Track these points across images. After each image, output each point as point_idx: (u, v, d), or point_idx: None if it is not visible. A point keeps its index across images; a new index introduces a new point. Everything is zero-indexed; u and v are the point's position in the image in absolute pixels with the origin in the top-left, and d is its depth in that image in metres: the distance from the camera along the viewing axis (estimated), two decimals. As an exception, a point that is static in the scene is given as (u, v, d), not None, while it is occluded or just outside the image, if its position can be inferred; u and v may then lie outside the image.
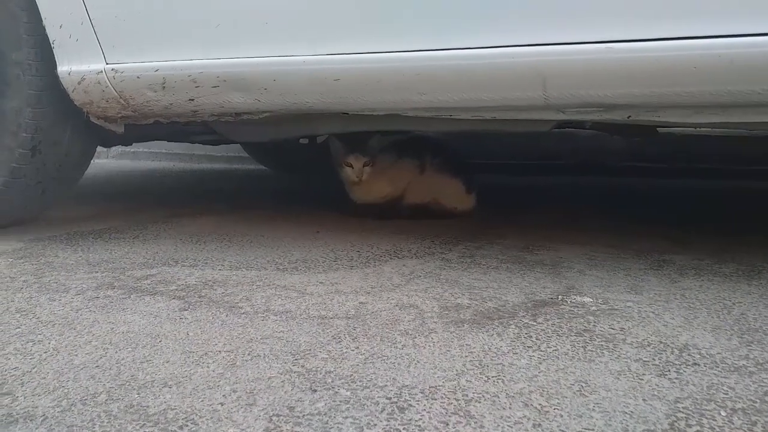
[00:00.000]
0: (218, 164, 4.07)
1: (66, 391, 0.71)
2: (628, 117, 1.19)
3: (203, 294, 1.08)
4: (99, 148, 4.41)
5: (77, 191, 2.57)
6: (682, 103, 1.08)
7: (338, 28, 1.18)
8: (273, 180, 3.32)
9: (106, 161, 4.44)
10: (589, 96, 1.10)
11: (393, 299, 1.06)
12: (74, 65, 1.36)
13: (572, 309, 1.02)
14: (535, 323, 0.94)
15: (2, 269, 1.24)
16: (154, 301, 1.03)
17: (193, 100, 1.34)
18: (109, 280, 1.16)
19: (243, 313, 0.98)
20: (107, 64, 1.34)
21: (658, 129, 1.93)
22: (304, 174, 3.54)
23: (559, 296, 1.09)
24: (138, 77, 1.33)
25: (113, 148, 4.14)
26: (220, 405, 0.68)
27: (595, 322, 0.95)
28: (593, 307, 1.03)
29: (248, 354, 0.82)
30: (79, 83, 1.37)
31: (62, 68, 1.37)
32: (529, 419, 0.65)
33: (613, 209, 2.24)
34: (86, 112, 1.46)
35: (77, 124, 1.52)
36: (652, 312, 1.00)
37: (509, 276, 1.23)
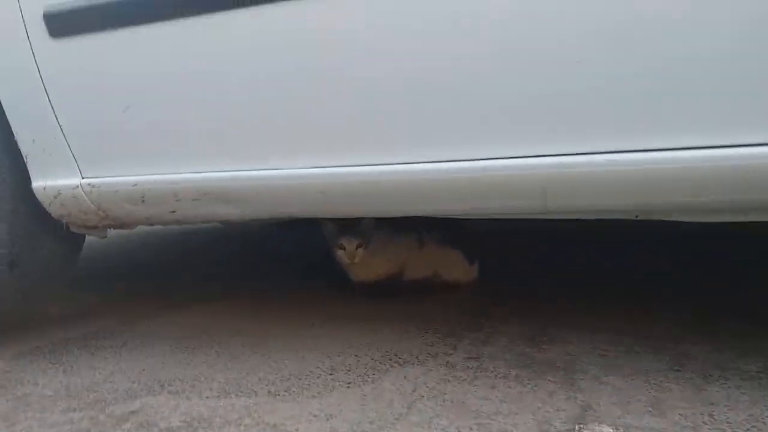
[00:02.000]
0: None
1: None
2: (636, 217, 1.11)
3: (187, 445, 0.99)
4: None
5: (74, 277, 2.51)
6: (694, 208, 1.00)
7: (321, 140, 1.11)
8: (271, 240, 3.25)
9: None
10: (590, 205, 1.02)
11: (393, 443, 0.97)
12: (49, 180, 1.30)
13: (590, 448, 0.92)
14: (550, 476, 0.85)
15: (-24, 410, 1.16)
16: (132, 461, 0.95)
17: (174, 212, 1.28)
18: (85, 425, 1.08)
19: (228, 478, 0.89)
20: (83, 178, 1.28)
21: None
22: (301, 230, 3.47)
23: (576, 426, 1.00)
24: (116, 191, 1.27)
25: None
26: None
27: (617, 472, 0.86)
28: (614, 445, 0.93)
29: None
30: (55, 197, 1.31)
31: (37, 183, 1.31)
32: None
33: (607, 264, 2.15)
34: (66, 222, 1.39)
35: (58, 231, 1.45)
36: (679, 449, 0.91)
37: (519, 392, 1.14)
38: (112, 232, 1.68)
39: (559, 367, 1.24)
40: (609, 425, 1.00)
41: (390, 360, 1.33)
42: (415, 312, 1.68)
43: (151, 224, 1.41)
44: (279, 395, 1.17)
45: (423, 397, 1.13)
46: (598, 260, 2.33)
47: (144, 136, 1.22)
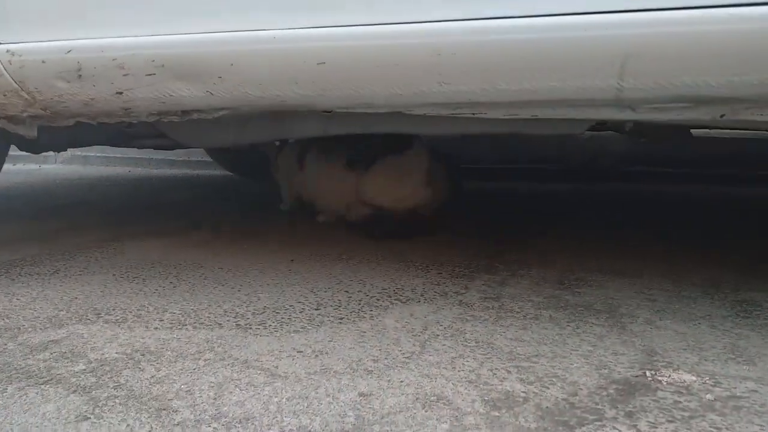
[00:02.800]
0: (179, 169, 3.67)
1: None
2: (722, 116, 0.87)
3: (121, 382, 0.71)
4: (48, 153, 3.97)
5: (3, 208, 2.17)
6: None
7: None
8: (240, 188, 2.94)
9: (54, 167, 3.99)
10: (681, 85, 0.77)
11: (409, 385, 0.71)
12: (-46, 45, 0.98)
13: (677, 399, 0.68)
14: (636, 433, 0.61)
15: None
16: (41, 400, 0.67)
17: (121, 93, 0.98)
18: (-15, 354, 0.79)
19: (176, 423, 0.62)
20: (1, 44, 0.97)
21: (692, 131, 1.63)
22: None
23: (646, 372, 0.76)
24: (43, 62, 0.96)
25: (63, 152, 3.70)
26: None
27: (729, 429, 0.62)
28: (707, 395, 0.69)
29: None
30: (-38, 70, 0.99)
31: (-63, 49, 0.99)
32: None
33: (636, 220, 1.93)
34: (-21, 109, 1.08)
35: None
36: (796, 402, 0.68)
37: (560, 333, 0.89)
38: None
39: (601, 311, 1.01)
40: (687, 372, 0.76)
41: (389, 297, 1.07)
42: (413, 253, 1.42)
43: (91, 117, 1.11)
44: (251, 329, 0.90)
45: (438, 336, 0.88)
46: (606, 200, 2.11)
47: (82, -17, 0.92)
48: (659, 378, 0.74)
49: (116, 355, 0.79)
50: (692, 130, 1.59)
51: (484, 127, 1.16)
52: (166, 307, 1.00)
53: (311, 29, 0.85)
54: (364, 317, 0.96)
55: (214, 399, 0.67)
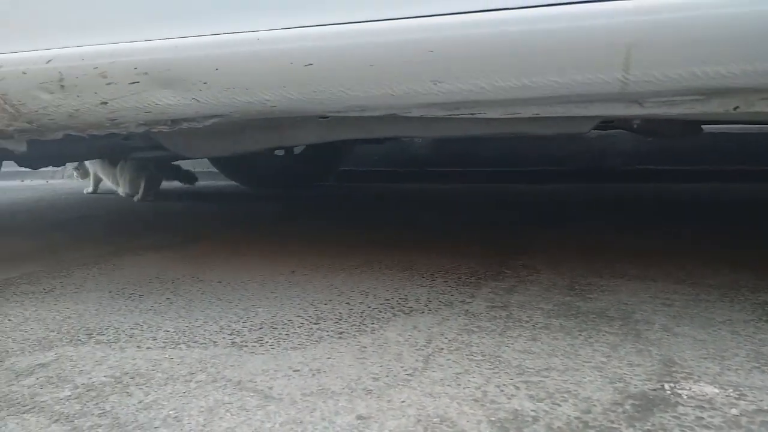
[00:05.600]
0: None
1: None
2: (735, 108, 0.82)
3: (107, 409, 0.67)
4: (56, 169, 3.96)
5: (4, 224, 2.15)
6: None
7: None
8: (245, 198, 2.91)
9: (61, 182, 3.99)
10: (691, 76, 0.72)
11: (411, 406, 0.67)
12: (-66, 58, 0.96)
13: (699, 414, 0.63)
14: (656, 455, 0.56)
15: None
16: (19, 430, 0.63)
17: (106, 103, 0.95)
18: (-32, 381, 0.75)
19: (162, 455, 0.58)
20: (-19, 55, 0.94)
21: (702, 126, 1.58)
22: (279, 189, 3.14)
23: (665, 384, 0.71)
24: (24, 73, 0.93)
25: (68, 166, 3.68)
26: None
27: (756, 448, 0.57)
28: (731, 409, 0.64)
29: None
30: (-56, 84, 0.97)
31: None
32: None
33: (646, 221, 1.87)
34: (-35, 125, 1.05)
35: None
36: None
37: (571, 343, 0.84)
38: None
39: (614, 317, 0.96)
40: (709, 384, 0.71)
41: (392, 308, 1.03)
42: (418, 261, 1.38)
43: (79, 129, 1.07)
44: (246, 346, 0.86)
45: (442, 349, 0.83)
46: (608, 200, 2.05)
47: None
48: (679, 391, 0.69)
49: (104, 379, 0.75)
50: (703, 126, 1.54)
51: (484, 128, 1.12)
52: (161, 324, 0.97)
53: (296, 29, 0.81)
54: (365, 331, 0.92)
55: (203, 426, 0.63)
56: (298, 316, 1.00)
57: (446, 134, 1.23)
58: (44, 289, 1.20)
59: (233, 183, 3.39)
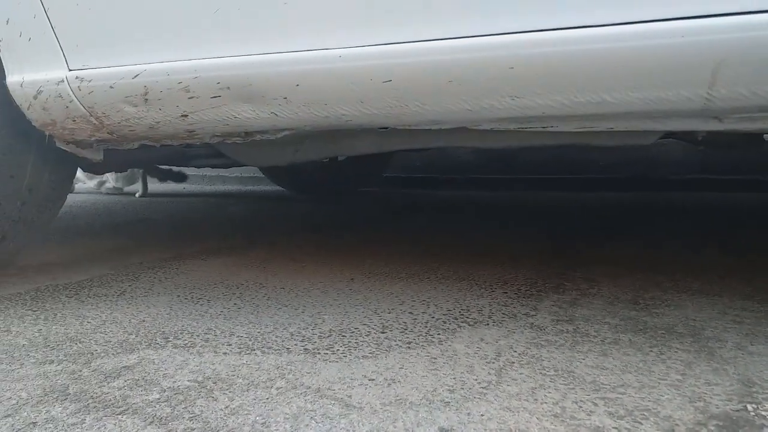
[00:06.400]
0: (231, 186, 3.72)
1: None
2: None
3: (196, 413, 0.70)
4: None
5: (68, 226, 2.24)
6: None
7: (398, 2, 0.81)
8: (292, 203, 2.96)
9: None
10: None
11: (491, 420, 0.68)
12: (27, 73, 1.01)
13: (788, 438, 0.63)
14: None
15: None
16: (117, 431, 0.66)
17: (186, 116, 0.99)
18: (63, 381, 0.79)
19: (257, 460, 0.60)
20: (70, 70, 0.99)
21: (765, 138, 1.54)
22: (324, 195, 3.18)
23: (747, 405, 0.70)
24: (111, 87, 0.98)
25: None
26: None
27: None
28: (821, 434, 0.63)
29: None
30: (35, 97, 1.02)
31: (12, 78, 1.03)
32: None
33: (702, 231, 1.83)
34: (48, 134, 1.11)
35: (43, 149, 1.17)
36: None
37: (643, 360, 0.84)
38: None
39: (684, 333, 0.95)
40: (794, 407, 0.70)
41: (455, 319, 1.04)
42: (475, 270, 1.38)
43: (156, 140, 1.12)
44: (319, 354, 0.88)
45: (513, 363, 0.84)
46: (655, 210, 2.01)
47: (147, 8, 0.93)
48: (763, 413, 0.68)
49: (188, 383, 0.78)
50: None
51: (549, 140, 1.12)
52: (233, 330, 1.00)
53: (377, 46, 0.83)
54: (433, 342, 0.93)
55: (291, 430, 0.65)
56: (364, 324, 1.02)
57: (506, 145, 1.23)
58: (115, 292, 1.25)
59: (279, 188, 3.45)
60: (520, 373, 0.80)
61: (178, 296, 1.21)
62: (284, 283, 1.30)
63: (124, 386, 0.78)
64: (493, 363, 0.84)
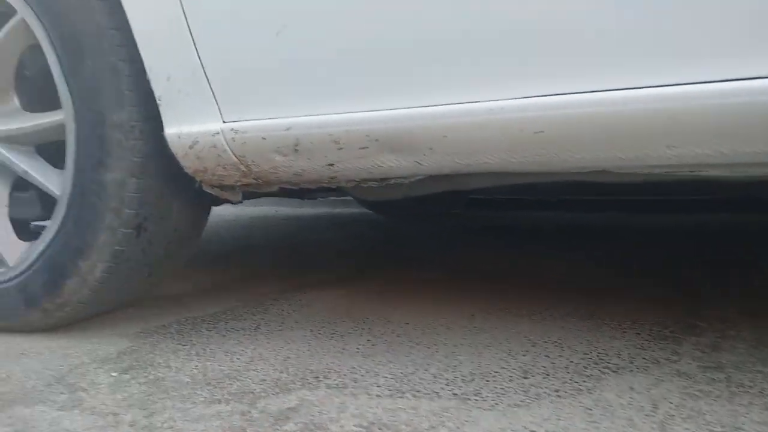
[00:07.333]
0: (321, 209, 3.83)
1: None
2: None
3: (375, 462, 0.73)
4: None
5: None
6: None
7: (552, 54, 0.83)
8: (381, 226, 3.01)
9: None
10: None
11: (674, 483, 0.67)
12: (185, 126, 1.09)
13: None
14: None
15: (116, 396, 0.96)
16: (307, 479, 0.70)
17: (332, 165, 1.03)
18: (239, 423, 0.85)
19: None
20: (224, 122, 1.06)
21: None
22: (411, 217, 3.21)
23: None
24: (263, 138, 1.04)
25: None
26: None
27: None
28: None
29: None
30: (190, 147, 1.10)
31: (170, 130, 1.11)
32: None
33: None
34: (198, 180, 1.19)
35: (187, 192, 1.25)
36: None
37: (817, 418, 0.81)
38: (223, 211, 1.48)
39: None
40: None
41: (595, 364, 1.03)
42: (598, 308, 1.36)
43: (296, 184, 1.18)
44: (469, 400, 0.90)
45: (673, 416, 0.83)
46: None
47: (302, 64, 0.99)
48: None
49: (355, 429, 0.82)
50: None
51: (683, 175, 1.10)
52: (376, 370, 1.03)
53: (529, 99, 0.84)
54: (581, 390, 0.93)
55: (473, 488, 0.67)
56: (503, 368, 1.03)
57: (636, 181, 1.22)
58: (251, 326, 1.32)
59: (366, 210, 3.51)
60: (686, 429, 0.79)
61: (311, 331, 1.26)
62: (408, 318, 1.33)
63: (296, 430, 0.82)
64: (652, 416, 0.83)
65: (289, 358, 1.11)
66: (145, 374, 1.04)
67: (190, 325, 1.33)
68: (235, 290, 1.65)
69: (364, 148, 0.98)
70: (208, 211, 1.43)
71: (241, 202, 1.30)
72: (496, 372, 1.01)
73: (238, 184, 1.18)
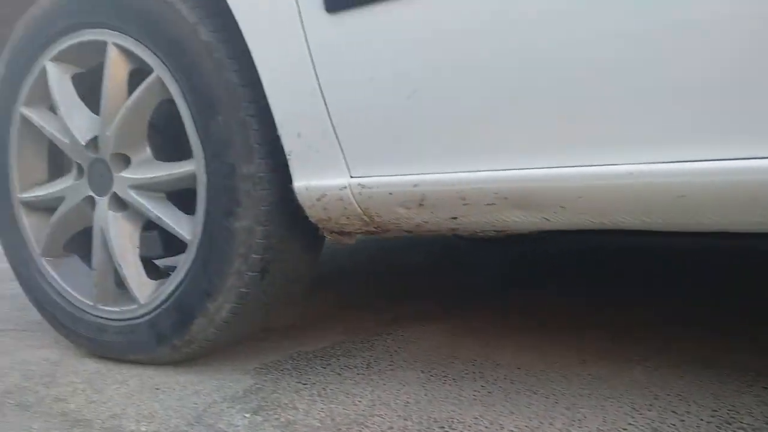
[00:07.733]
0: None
1: None
2: None
3: None
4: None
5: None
6: None
7: (697, 120, 0.82)
8: (452, 247, 3.01)
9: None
10: None
11: None
12: (313, 180, 1.15)
13: None
14: None
15: (242, 436, 1.02)
16: None
17: (456, 218, 1.06)
18: (379, 477, 0.88)
19: None
20: (352, 177, 1.11)
21: None
22: (492, 242, 3.19)
23: None
24: (390, 194, 1.08)
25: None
26: None
27: None
28: None
29: None
30: (318, 200, 1.16)
31: (299, 183, 1.17)
32: None
33: None
34: (321, 228, 1.24)
35: (306, 236, 1.31)
36: None
37: None
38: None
39: None
40: None
41: (728, 424, 1.01)
42: (711, 356, 1.32)
43: (414, 233, 1.21)
44: (605, 462, 0.90)
45: (827, 491, 0.80)
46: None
47: (432, 126, 1.02)
48: None
49: (496, 490, 0.83)
50: None
51: None
52: (500, 422, 1.04)
53: (672, 164, 0.84)
54: (721, 455, 0.91)
55: None
56: (630, 424, 1.02)
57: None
58: (362, 363, 1.36)
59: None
60: None
61: (423, 372, 1.29)
62: (517, 361, 1.33)
63: (437, 488, 0.84)
64: (804, 490, 0.80)
65: (408, 403, 1.14)
66: (276, 416, 1.10)
67: (304, 361, 1.39)
68: (339, 320, 1.71)
69: (490, 204, 1.00)
70: (320, 252, 1.49)
71: (352, 243, 1.35)
72: (625, 429, 1.00)
73: (358, 231, 1.23)
